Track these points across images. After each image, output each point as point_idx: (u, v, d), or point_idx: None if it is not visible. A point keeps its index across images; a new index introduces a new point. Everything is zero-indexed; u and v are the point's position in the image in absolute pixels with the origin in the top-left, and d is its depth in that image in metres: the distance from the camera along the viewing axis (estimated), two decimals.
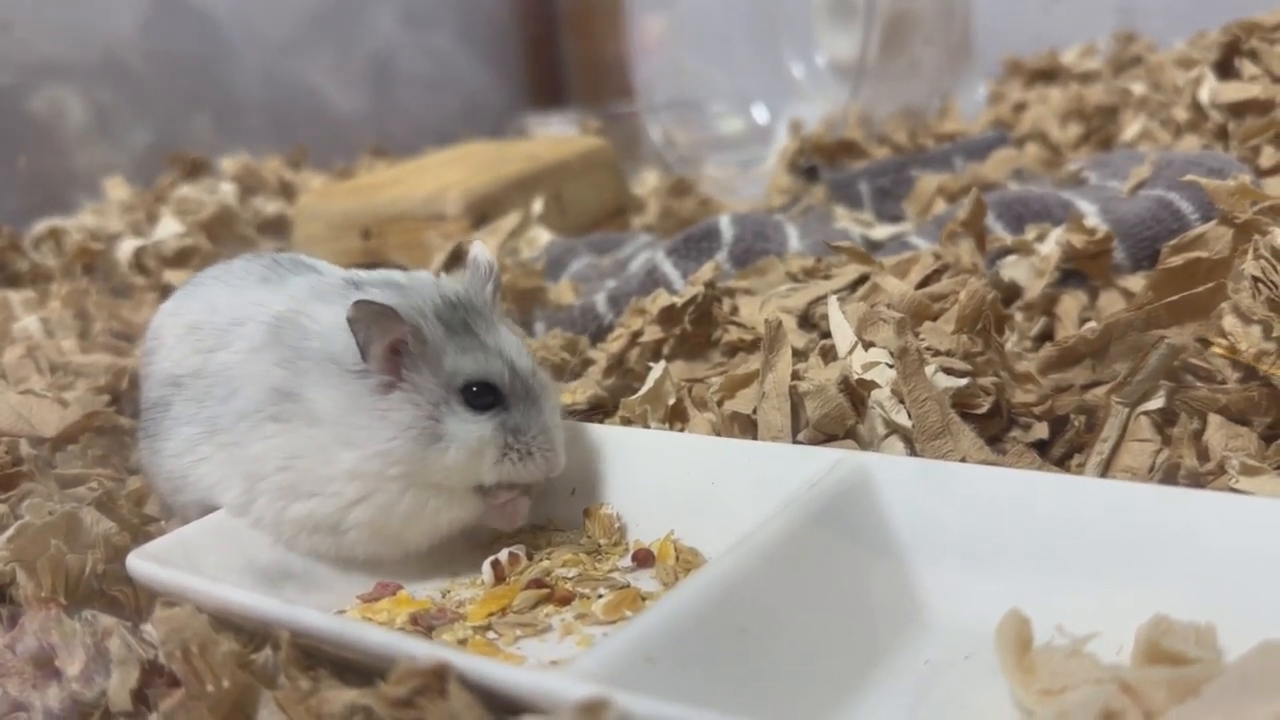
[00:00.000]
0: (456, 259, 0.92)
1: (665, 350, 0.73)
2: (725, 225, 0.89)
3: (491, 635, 0.49)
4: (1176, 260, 0.61)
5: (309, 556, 0.54)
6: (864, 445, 0.56)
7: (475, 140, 1.50)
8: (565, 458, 0.56)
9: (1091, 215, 0.81)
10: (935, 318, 0.63)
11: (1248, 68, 0.99)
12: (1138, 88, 1.21)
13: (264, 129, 1.71)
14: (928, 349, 0.59)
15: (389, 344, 0.51)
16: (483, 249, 0.59)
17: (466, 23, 2.10)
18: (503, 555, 0.54)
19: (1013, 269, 0.77)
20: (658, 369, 0.64)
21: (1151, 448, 0.53)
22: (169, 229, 1.17)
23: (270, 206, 1.34)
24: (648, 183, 1.46)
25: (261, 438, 0.53)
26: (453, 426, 0.52)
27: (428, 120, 1.94)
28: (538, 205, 1.10)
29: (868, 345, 0.59)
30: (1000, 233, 0.83)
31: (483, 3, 2.15)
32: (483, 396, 0.53)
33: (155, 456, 0.57)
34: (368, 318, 0.50)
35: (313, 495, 0.52)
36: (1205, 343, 0.58)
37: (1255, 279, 0.56)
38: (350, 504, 0.52)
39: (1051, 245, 0.77)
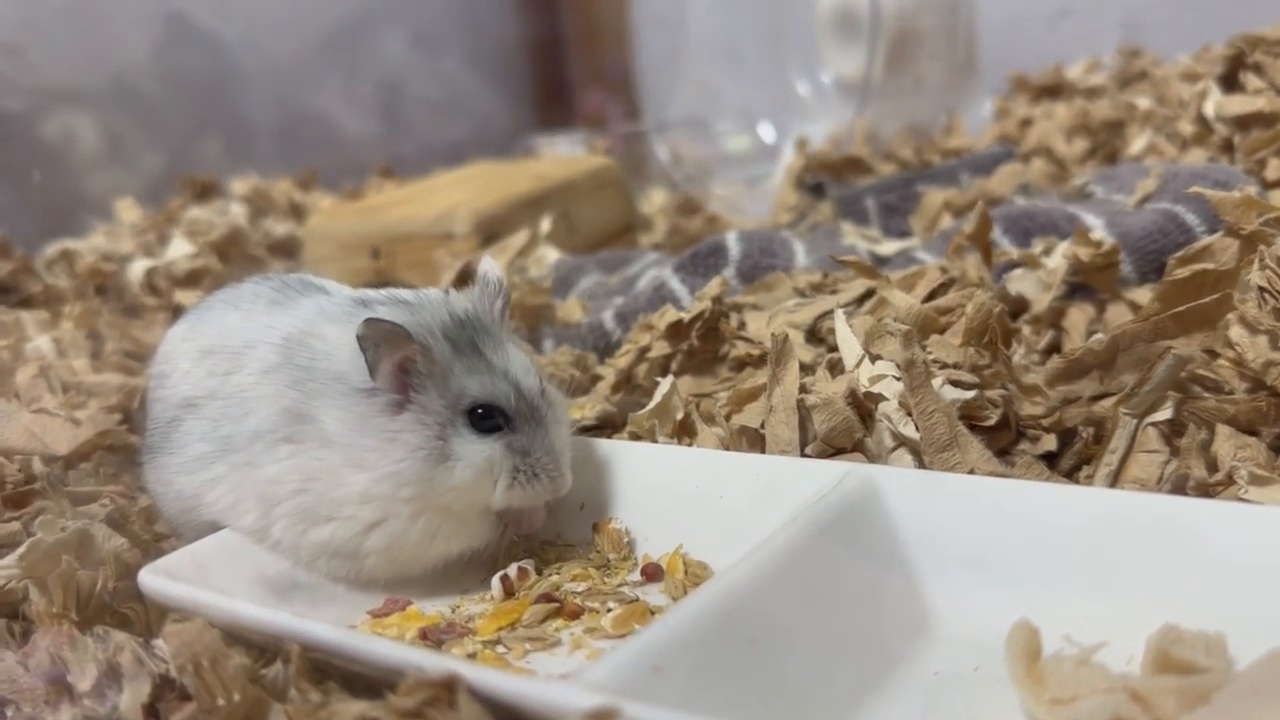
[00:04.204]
0: (465, 277, 0.92)
1: (673, 366, 0.73)
2: (732, 242, 0.89)
3: (501, 650, 0.49)
4: (1183, 272, 0.61)
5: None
6: (872, 458, 0.56)
7: (483, 161, 1.51)
8: (572, 477, 0.55)
9: (1098, 228, 0.81)
10: (942, 331, 0.63)
11: (1252, 81, 0.99)
12: (1143, 102, 1.21)
13: (274, 152, 1.72)
14: (934, 362, 0.59)
15: (397, 362, 0.51)
16: (492, 264, 0.59)
17: (475, 46, 2.12)
18: (512, 570, 0.55)
19: (1020, 282, 0.77)
20: (665, 384, 0.64)
21: (1160, 459, 0.53)
22: (180, 250, 1.18)
23: (280, 227, 1.35)
24: (655, 201, 1.47)
25: (276, 459, 0.53)
26: (459, 447, 0.52)
27: (437, 143, 1.95)
28: (546, 224, 1.10)
29: (874, 358, 0.59)
30: (1007, 247, 0.83)
31: (491, 26, 2.16)
32: (488, 419, 0.53)
33: (164, 473, 0.57)
34: (377, 336, 0.50)
35: (330, 519, 0.52)
36: (1212, 354, 0.58)
37: (1261, 289, 0.56)
38: (366, 529, 0.52)
39: (1058, 259, 0.77)
